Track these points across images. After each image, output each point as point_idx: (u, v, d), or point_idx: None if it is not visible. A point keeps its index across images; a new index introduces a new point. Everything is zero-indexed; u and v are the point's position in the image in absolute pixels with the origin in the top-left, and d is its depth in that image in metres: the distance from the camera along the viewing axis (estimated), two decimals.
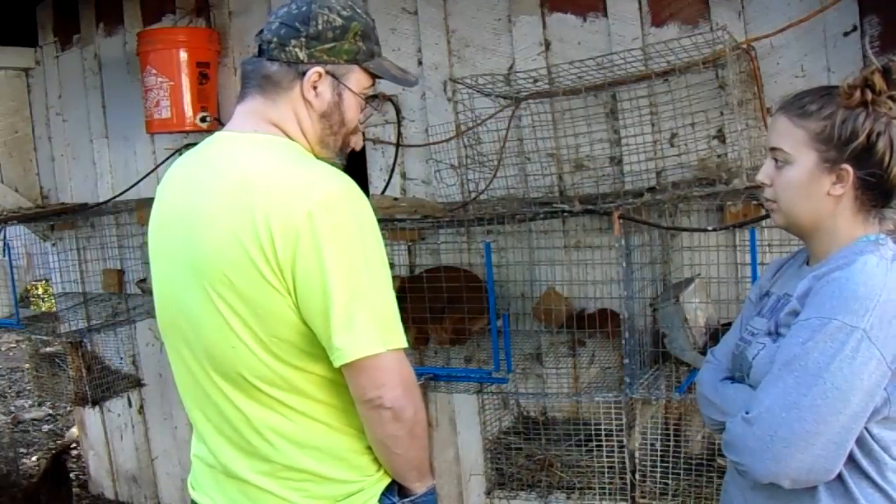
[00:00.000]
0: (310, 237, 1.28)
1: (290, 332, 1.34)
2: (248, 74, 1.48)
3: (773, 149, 1.36)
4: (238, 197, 1.33)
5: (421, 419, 1.40)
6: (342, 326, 1.29)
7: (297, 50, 1.43)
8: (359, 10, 1.48)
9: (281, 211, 1.29)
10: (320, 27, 1.43)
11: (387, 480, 1.45)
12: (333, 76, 1.46)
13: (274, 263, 1.29)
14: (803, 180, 1.32)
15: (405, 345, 1.35)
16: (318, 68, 1.44)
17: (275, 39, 1.44)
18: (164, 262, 1.49)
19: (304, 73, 1.43)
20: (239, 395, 1.39)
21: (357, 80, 1.49)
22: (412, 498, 1.46)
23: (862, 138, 1.28)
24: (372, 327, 1.30)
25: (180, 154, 3.41)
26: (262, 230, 1.29)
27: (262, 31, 1.48)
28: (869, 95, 1.28)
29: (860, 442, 1.25)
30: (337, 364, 1.32)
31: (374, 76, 1.52)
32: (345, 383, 1.37)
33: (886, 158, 1.29)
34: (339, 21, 1.44)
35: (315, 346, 1.35)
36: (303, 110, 1.45)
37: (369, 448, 1.44)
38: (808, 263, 1.42)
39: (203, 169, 1.45)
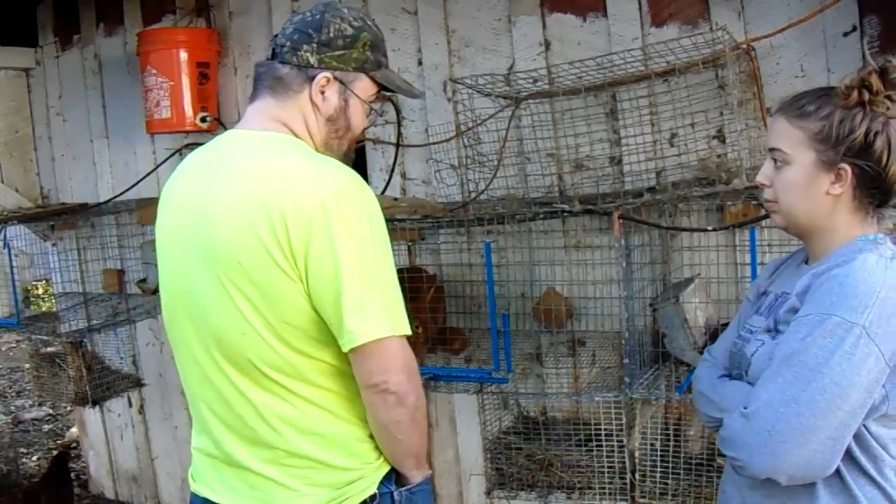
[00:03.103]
0: (322, 225, 1.33)
1: (300, 318, 1.38)
2: (260, 76, 1.55)
3: (771, 149, 1.37)
4: (251, 188, 1.38)
5: (422, 406, 1.45)
6: (354, 310, 1.34)
7: (308, 55, 1.50)
8: (369, 23, 1.57)
9: (294, 200, 1.34)
10: (331, 34, 1.50)
11: (385, 469, 1.49)
12: (341, 82, 1.52)
13: (287, 250, 1.34)
14: (802, 180, 1.33)
15: (409, 332, 1.40)
16: (327, 73, 1.51)
17: (288, 44, 1.51)
18: (174, 252, 1.52)
19: (313, 78, 1.50)
20: (246, 381, 1.43)
21: (364, 87, 1.56)
22: (409, 487, 1.51)
23: (860, 137, 1.29)
24: (382, 312, 1.36)
25: (181, 154, 3.42)
26: (276, 218, 1.34)
27: (276, 36, 1.55)
28: (866, 95, 1.29)
29: (859, 439, 1.26)
30: (347, 347, 1.36)
31: (380, 86, 1.59)
32: (350, 372, 1.41)
33: (884, 157, 1.30)
34: (349, 31, 1.52)
35: (324, 333, 1.39)
36: (310, 113, 1.52)
37: (370, 437, 1.47)
38: (806, 263, 1.42)
39: (215, 163, 1.50)
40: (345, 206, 1.35)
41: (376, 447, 1.48)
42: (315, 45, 1.49)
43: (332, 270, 1.33)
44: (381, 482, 1.48)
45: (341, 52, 1.51)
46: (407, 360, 1.40)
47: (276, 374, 1.41)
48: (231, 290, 1.39)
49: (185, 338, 1.51)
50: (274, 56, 1.52)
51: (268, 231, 1.34)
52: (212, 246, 1.41)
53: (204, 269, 1.42)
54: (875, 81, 1.29)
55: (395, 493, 1.49)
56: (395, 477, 1.50)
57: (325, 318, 1.37)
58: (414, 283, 2.42)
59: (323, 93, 1.51)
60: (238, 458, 1.47)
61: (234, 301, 1.39)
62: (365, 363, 1.37)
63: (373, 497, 1.46)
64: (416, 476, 1.51)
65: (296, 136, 1.50)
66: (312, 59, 1.49)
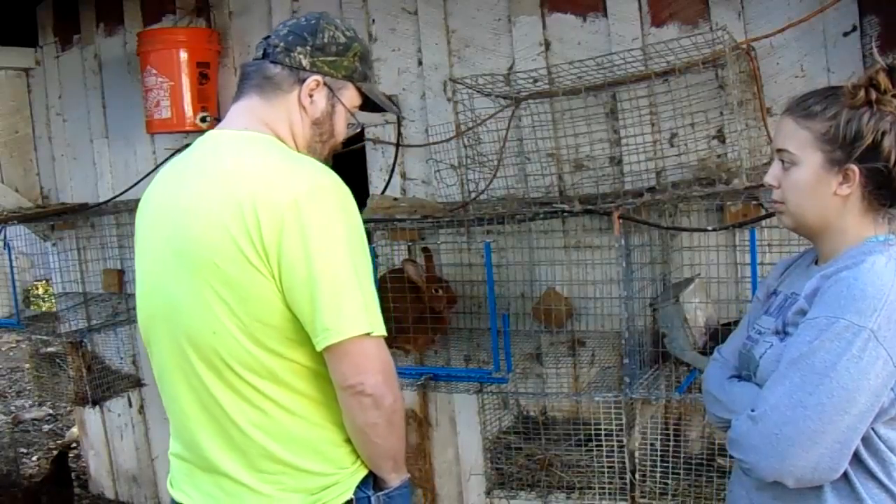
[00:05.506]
0: (295, 222, 1.33)
1: (274, 317, 1.37)
2: (248, 75, 1.56)
3: (779, 150, 1.36)
4: (225, 187, 1.39)
5: (399, 408, 1.43)
6: (330, 307, 1.33)
7: (301, 57, 1.52)
8: (359, 36, 1.61)
9: (267, 198, 1.34)
10: (326, 40, 1.53)
11: (362, 473, 1.48)
12: (330, 88, 1.55)
13: (259, 248, 1.34)
14: (810, 181, 1.32)
15: (385, 332, 1.39)
16: (318, 77, 1.53)
17: (281, 44, 1.53)
18: (149, 254, 1.53)
19: (303, 80, 1.52)
20: (219, 384, 1.42)
21: (350, 96, 1.59)
22: (387, 491, 1.49)
23: (867, 137, 1.28)
24: (358, 310, 1.35)
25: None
26: (248, 216, 1.34)
27: (268, 37, 1.56)
28: (874, 95, 1.28)
29: (867, 442, 1.25)
30: (321, 345, 1.34)
31: (364, 97, 1.62)
32: (325, 374, 1.40)
33: (893, 157, 1.28)
34: (342, 39, 1.56)
35: (298, 333, 1.38)
36: (296, 115, 1.53)
37: (346, 441, 1.46)
38: (816, 263, 1.41)
39: (191, 164, 1.50)
40: (319, 204, 1.35)
41: (352, 451, 1.46)
42: (309, 48, 1.52)
43: (305, 268, 1.32)
44: (358, 486, 1.46)
45: (334, 58, 1.54)
46: (384, 361, 1.38)
47: (249, 375, 1.39)
48: (204, 289, 1.38)
49: (160, 341, 1.51)
50: (265, 56, 1.54)
51: (240, 228, 1.34)
52: (186, 246, 1.41)
53: (179, 270, 1.42)
54: (883, 80, 1.28)
55: (373, 498, 1.47)
56: (372, 481, 1.49)
57: (299, 316, 1.36)
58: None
59: (311, 96, 1.53)
60: (214, 462, 1.46)
61: (207, 300, 1.38)
62: (340, 363, 1.35)
63: (349, 502, 1.44)
64: (394, 479, 1.49)
65: (279, 137, 1.51)
66: (305, 62, 1.52)
